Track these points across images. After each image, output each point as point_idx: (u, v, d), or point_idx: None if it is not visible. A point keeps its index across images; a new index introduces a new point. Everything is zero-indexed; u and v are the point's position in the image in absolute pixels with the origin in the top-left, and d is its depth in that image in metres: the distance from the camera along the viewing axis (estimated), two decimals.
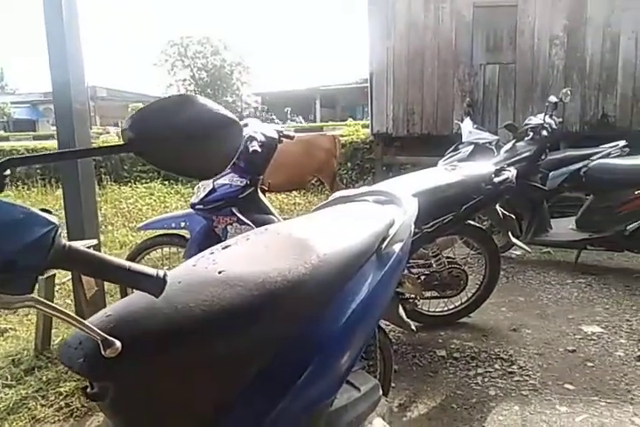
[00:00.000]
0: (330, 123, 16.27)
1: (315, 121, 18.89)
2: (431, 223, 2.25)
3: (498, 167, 2.51)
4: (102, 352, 0.64)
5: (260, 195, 2.36)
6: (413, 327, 1.68)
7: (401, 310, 1.57)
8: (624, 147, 4.07)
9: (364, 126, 8.96)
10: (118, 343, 0.64)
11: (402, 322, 1.59)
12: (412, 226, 1.44)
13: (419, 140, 7.11)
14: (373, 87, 6.68)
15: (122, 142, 0.68)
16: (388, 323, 1.83)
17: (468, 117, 4.91)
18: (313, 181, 6.41)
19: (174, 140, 0.66)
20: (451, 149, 4.58)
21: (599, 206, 3.31)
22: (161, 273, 0.66)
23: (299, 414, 0.94)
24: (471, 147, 4.32)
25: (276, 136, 2.30)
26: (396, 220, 1.33)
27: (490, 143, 4.31)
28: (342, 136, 8.21)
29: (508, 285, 3.19)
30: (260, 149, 2.10)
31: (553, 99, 3.53)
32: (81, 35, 2.51)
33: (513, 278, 3.30)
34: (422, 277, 2.40)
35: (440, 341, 2.41)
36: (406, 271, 2.40)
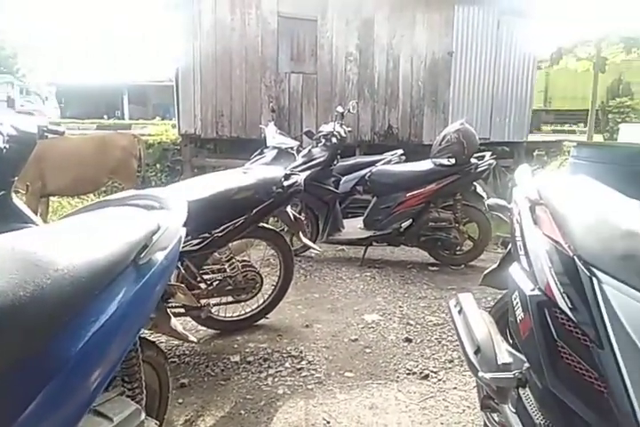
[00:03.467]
0: (140, 121, 15.18)
1: (122, 118, 17.39)
2: (222, 227, 2.21)
3: (288, 171, 2.61)
4: None
5: (16, 200, 1.98)
6: (193, 339, 1.60)
7: (174, 322, 1.47)
8: (401, 155, 4.70)
9: (175, 126, 8.56)
10: None
11: (178, 334, 1.50)
12: (183, 231, 1.36)
13: (230, 143, 7.10)
14: (180, 86, 6.42)
15: None
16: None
17: (272, 123, 5.06)
18: (117, 184, 5.85)
19: None
20: (256, 153, 4.66)
21: (380, 207, 3.73)
22: None
23: None
24: (275, 151, 4.46)
25: (34, 131, 1.96)
26: (162, 225, 1.23)
27: (292, 148, 4.51)
28: (150, 136, 7.71)
29: (306, 282, 3.37)
30: (4, 145, 1.76)
31: (340, 109, 3.86)
32: None
33: (310, 276, 3.49)
34: (215, 283, 2.34)
35: (235, 346, 2.39)
36: (199, 278, 2.32)
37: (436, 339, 2.49)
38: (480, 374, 1.30)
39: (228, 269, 2.39)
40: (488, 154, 3.80)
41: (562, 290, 1.09)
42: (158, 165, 7.27)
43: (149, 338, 1.66)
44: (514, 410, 1.26)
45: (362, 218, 3.95)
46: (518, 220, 1.46)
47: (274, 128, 4.91)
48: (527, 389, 1.21)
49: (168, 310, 1.54)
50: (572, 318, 1.05)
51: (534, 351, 1.14)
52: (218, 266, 2.43)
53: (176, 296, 1.50)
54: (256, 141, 5.67)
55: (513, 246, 1.49)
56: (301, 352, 2.33)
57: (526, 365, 1.26)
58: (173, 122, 10.72)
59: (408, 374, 2.15)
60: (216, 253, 2.38)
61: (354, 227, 3.92)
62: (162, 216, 1.30)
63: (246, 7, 6.44)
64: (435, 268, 3.71)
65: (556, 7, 8.49)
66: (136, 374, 1.25)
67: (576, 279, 1.06)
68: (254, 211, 2.31)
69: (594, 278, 1.02)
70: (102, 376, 0.98)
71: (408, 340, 2.47)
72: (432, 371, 2.17)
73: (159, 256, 1.20)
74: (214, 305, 2.38)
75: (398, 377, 2.13)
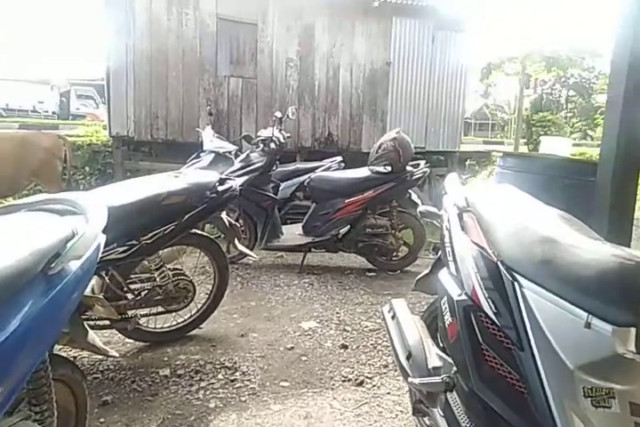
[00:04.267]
0: (70, 121, 14.36)
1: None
2: (150, 234, 2.10)
3: (223, 176, 2.53)
4: None
5: None
6: (114, 353, 1.50)
7: (92, 336, 1.36)
8: (341, 162, 4.74)
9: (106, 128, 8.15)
10: None
11: (97, 349, 1.39)
12: (102, 238, 1.27)
13: (166, 146, 6.85)
14: (111, 85, 6.15)
15: None
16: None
17: (210, 126, 4.94)
18: (40, 188, 5.45)
19: None
20: (193, 157, 4.53)
21: (319, 213, 3.73)
22: None
23: None
24: (212, 155, 4.36)
25: None
26: (77, 232, 1.14)
27: (229, 153, 4.43)
28: (79, 137, 7.28)
29: (243, 290, 3.28)
30: None
31: (278, 114, 3.83)
32: None
33: (248, 284, 3.41)
34: (143, 293, 2.22)
35: (165, 359, 2.27)
36: (125, 288, 2.19)
37: (372, 344, 2.50)
38: (410, 379, 1.31)
39: (157, 278, 2.27)
40: (422, 162, 3.91)
41: (486, 295, 1.12)
42: (87, 168, 6.87)
43: (63, 354, 1.53)
44: (442, 414, 1.27)
45: (301, 224, 3.93)
46: (448, 226, 1.49)
47: (211, 132, 4.80)
48: (454, 392, 1.23)
49: (85, 323, 1.43)
50: (496, 321, 1.08)
51: (461, 355, 1.17)
52: (147, 275, 2.30)
53: (94, 308, 1.40)
54: (193, 145, 5.51)
55: (442, 252, 1.52)
56: (235, 363, 2.25)
57: (454, 369, 1.28)
58: (104, 123, 10.21)
59: (343, 381, 2.14)
60: (145, 262, 2.26)
61: (293, 233, 3.89)
62: (78, 222, 1.20)
63: (183, 7, 6.28)
64: (372, 273, 3.75)
65: (487, 25, 9.01)
66: (45, 395, 1.14)
67: (499, 284, 1.09)
68: (186, 217, 2.22)
69: (515, 283, 1.05)
70: (2, 400, 0.89)
71: (344, 346, 2.47)
72: (367, 377, 2.17)
73: (73, 266, 1.11)
74: (143, 316, 2.25)
75: (334, 385, 2.11)
